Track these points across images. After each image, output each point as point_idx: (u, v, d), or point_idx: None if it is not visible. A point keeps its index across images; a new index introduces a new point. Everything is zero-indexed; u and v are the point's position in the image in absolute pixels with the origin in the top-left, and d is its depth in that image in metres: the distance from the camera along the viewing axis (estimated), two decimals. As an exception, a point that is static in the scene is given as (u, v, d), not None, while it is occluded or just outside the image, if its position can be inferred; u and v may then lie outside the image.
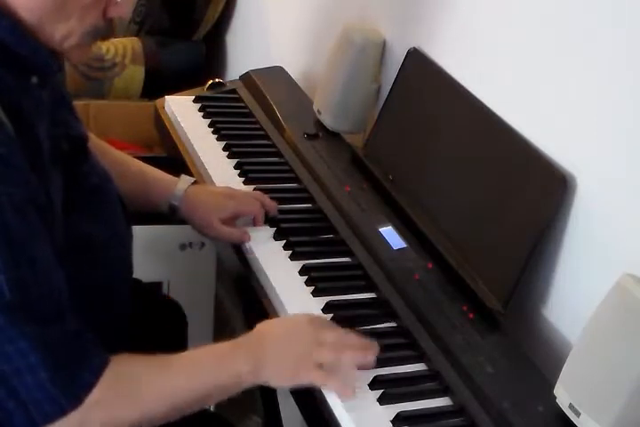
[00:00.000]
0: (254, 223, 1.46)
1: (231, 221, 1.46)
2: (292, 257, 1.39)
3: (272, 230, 1.45)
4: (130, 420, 1.07)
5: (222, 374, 1.11)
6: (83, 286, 1.14)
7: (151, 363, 1.11)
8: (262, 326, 1.17)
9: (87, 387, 1.04)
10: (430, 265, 1.37)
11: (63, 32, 1.08)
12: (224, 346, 1.14)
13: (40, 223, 1.06)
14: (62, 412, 1.03)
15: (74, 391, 1.03)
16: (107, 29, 1.14)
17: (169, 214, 1.48)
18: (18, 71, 1.09)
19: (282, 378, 1.13)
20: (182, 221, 1.49)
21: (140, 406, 1.07)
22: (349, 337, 1.16)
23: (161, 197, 1.47)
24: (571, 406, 1.07)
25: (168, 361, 1.12)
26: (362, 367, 1.14)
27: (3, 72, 1.07)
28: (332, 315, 1.25)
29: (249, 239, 1.42)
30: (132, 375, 1.08)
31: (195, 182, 1.49)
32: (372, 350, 1.15)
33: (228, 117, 1.83)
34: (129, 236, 1.36)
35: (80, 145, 1.25)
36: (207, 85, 1.96)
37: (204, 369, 1.11)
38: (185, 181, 1.48)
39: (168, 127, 1.82)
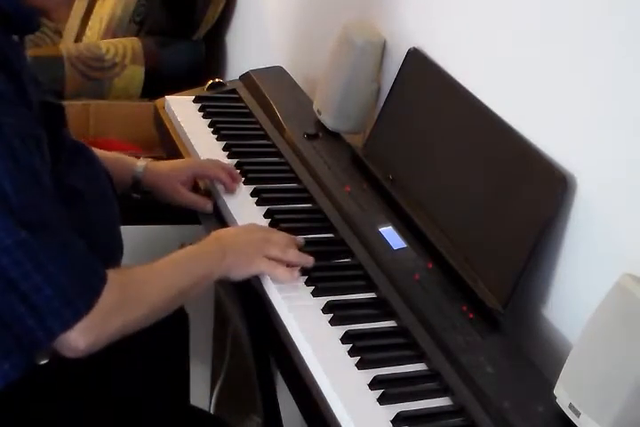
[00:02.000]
0: (226, 189, 1.55)
1: (191, 185, 1.58)
2: (292, 257, 1.39)
3: (272, 230, 1.45)
4: (142, 315, 1.21)
5: (201, 265, 1.31)
6: None
7: (144, 268, 1.26)
8: (217, 231, 1.38)
9: (98, 291, 1.14)
10: (430, 265, 1.37)
11: None
12: (194, 247, 1.34)
13: (40, 156, 1.13)
14: (79, 315, 1.12)
15: (87, 295, 1.13)
16: None
17: (132, 189, 1.57)
18: (1, 27, 1.13)
19: (239, 267, 1.32)
20: (146, 193, 1.58)
21: (147, 303, 1.22)
22: (294, 240, 1.38)
23: (124, 173, 1.55)
24: (571, 406, 1.07)
25: (156, 265, 1.27)
26: (302, 264, 1.34)
27: None
28: (332, 315, 1.26)
29: (211, 208, 1.54)
30: (134, 279, 1.23)
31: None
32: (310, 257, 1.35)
33: (228, 117, 1.83)
34: (115, 200, 1.42)
35: (56, 111, 1.31)
36: (207, 85, 1.96)
37: (188, 264, 1.30)
38: (145, 159, 1.59)
39: (168, 127, 1.82)
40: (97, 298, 1.14)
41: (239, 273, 1.33)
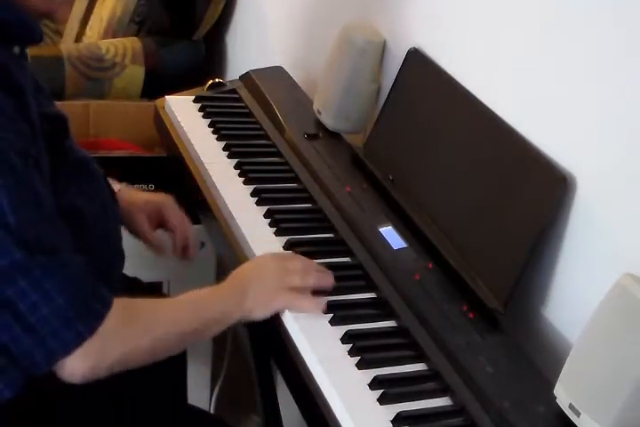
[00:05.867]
0: (172, 248, 1.59)
1: (157, 222, 1.57)
2: (292, 257, 1.39)
3: (272, 230, 1.45)
4: (144, 347, 1.16)
5: (216, 306, 1.24)
6: None
7: (153, 300, 1.23)
8: (235, 271, 1.29)
9: (100, 315, 1.11)
10: (430, 265, 1.37)
11: None
12: (210, 288, 1.27)
13: (39, 176, 1.10)
14: (81, 339, 1.08)
15: (89, 318, 1.09)
16: None
17: None
18: (1, 40, 1.12)
19: (262, 306, 1.24)
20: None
21: (151, 334, 1.17)
22: (311, 263, 1.31)
23: None
24: (571, 406, 1.07)
25: (166, 300, 1.28)
26: (323, 288, 1.28)
27: None
28: (332, 314, 1.25)
29: (164, 253, 1.57)
30: (140, 307, 1.19)
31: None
32: (330, 275, 1.30)
33: (228, 117, 1.83)
34: (116, 213, 1.40)
35: (59, 124, 1.28)
36: (207, 85, 1.96)
37: (201, 303, 1.24)
38: (121, 185, 1.56)
39: (168, 127, 1.82)
40: (99, 322, 1.10)
41: (263, 312, 1.25)
